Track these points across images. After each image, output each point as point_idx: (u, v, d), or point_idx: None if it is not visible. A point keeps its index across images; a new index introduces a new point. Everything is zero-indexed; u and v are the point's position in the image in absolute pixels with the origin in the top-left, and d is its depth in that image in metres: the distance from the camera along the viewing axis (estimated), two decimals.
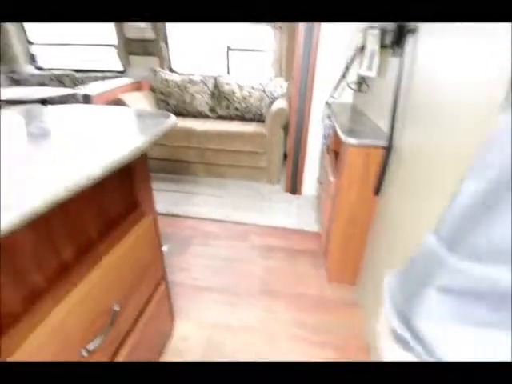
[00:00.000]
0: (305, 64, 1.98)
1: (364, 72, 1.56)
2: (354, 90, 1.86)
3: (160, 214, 1.15)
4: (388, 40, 1.19)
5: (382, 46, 1.31)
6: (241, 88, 2.70)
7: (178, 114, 2.82)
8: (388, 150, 1.16)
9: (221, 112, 2.80)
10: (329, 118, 1.78)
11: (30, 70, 3.22)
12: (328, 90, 1.97)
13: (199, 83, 2.76)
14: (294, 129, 2.21)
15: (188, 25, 2.98)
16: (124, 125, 0.83)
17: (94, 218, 0.74)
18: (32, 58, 3.25)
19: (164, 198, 2.28)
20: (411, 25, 1.06)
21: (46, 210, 0.44)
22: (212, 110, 2.85)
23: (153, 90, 2.81)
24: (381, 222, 1.27)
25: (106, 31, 3.00)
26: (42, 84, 3.04)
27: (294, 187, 2.44)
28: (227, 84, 2.71)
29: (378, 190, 1.26)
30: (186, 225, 2.01)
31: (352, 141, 1.21)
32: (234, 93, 2.70)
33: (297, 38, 1.94)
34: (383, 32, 1.27)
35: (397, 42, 1.11)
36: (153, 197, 0.97)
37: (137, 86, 2.90)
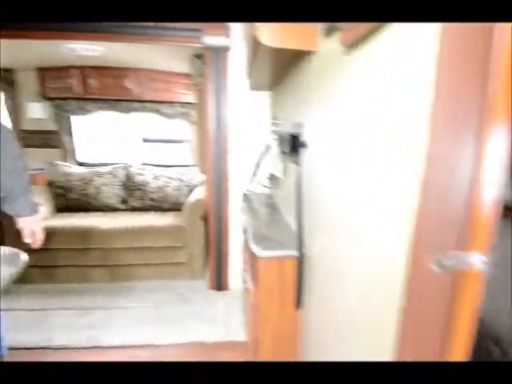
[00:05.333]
0: (217, 155, 1.98)
1: (272, 171, 1.58)
2: (265, 187, 1.87)
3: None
4: (286, 148, 1.22)
5: (283, 152, 1.35)
6: (156, 178, 2.56)
7: (80, 209, 2.46)
8: (300, 260, 1.07)
9: (134, 203, 2.55)
10: (246, 212, 1.70)
11: None
12: (245, 179, 1.96)
13: (106, 175, 2.52)
14: (213, 219, 2.07)
15: (97, 116, 2.86)
16: None
17: None
18: None
19: (39, 321, 1.74)
20: (303, 139, 1.11)
21: None
22: (124, 201, 2.58)
23: (50, 184, 2.44)
24: (307, 338, 1.10)
25: None
26: None
27: (220, 283, 2.18)
28: (140, 174, 2.55)
29: (298, 303, 1.12)
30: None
31: (263, 254, 1.09)
32: (148, 183, 2.53)
33: (207, 131, 1.96)
34: (281, 139, 1.32)
35: (292, 152, 1.13)
36: None
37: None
